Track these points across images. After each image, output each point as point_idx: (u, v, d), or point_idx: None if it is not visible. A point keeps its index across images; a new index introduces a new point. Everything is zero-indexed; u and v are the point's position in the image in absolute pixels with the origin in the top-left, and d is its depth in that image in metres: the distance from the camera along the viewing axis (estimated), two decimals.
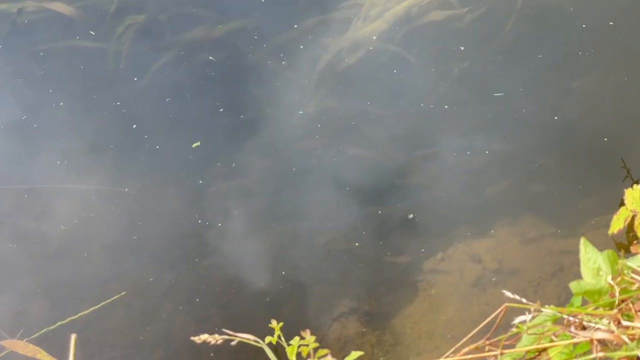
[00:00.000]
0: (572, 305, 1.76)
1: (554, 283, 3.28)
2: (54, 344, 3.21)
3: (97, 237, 3.56)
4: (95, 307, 3.27)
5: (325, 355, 1.72)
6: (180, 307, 3.38)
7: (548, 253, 3.37)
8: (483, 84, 3.84)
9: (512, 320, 1.70)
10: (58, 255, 3.51)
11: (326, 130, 3.78)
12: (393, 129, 3.77)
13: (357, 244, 3.49)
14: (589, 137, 3.64)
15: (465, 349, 1.78)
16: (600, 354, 1.38)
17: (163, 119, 3.87)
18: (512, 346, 1.73)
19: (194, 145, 3.74)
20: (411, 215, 3.50)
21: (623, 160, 3.42)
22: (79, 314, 3.23)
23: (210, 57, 3.99)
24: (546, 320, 1.70)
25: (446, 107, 3.76)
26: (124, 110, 3.88)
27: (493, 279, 3.31)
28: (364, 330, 3.29)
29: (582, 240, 1.77)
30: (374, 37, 3.91)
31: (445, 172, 3.63)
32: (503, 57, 3.90)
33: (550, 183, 3.55)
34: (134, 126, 3.82)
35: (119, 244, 3.55)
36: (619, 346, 1.47)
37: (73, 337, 1.26)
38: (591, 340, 1.48)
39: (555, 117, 3.69)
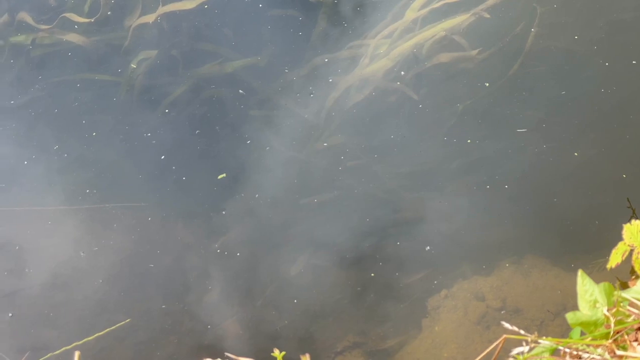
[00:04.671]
0: (570, 337, 1.77)
1: (557, 322, 3.26)
2: None
3: (114, 265, 3.59)
4: (101, 333, 3.28)
5: None
6: (190, 334, 3.39)
7: (552, 293, 3.36)
8: (499, 121, 3.84)
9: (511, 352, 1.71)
10: (73, 281, 3.53)
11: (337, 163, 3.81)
12: (403, 166, 3.79)
13: (372, 274, 3.50)
14: (606, 174, 3.62)
15: None
16: None
17: (191, 150, 3.91)
18: None
19: (219, 177, 3.77)
20: (428, 247, 3.50)
21: (629, 200, 3.41)
22: (84, 340, 3.23)
23: (240, 91, 4.03)
24: (544, 352, 1.72)
25: (455, 141, 3.78)
26: (154, 142, 3.93)
27: (496, 317, 3.31)
28: None
29: (580, 272, 1.79)
30: (380, 75, 3.95)
31: (455, 209, 3.63)
32: (519, 94, 3.89)
33: (557, 223, 3.53)
34: (162, 157, 3.87)
35: (135, 271, 3.58)
36: None
37: (77, 353, 1.30)
38: None
39: (575, 154, 3.68)
